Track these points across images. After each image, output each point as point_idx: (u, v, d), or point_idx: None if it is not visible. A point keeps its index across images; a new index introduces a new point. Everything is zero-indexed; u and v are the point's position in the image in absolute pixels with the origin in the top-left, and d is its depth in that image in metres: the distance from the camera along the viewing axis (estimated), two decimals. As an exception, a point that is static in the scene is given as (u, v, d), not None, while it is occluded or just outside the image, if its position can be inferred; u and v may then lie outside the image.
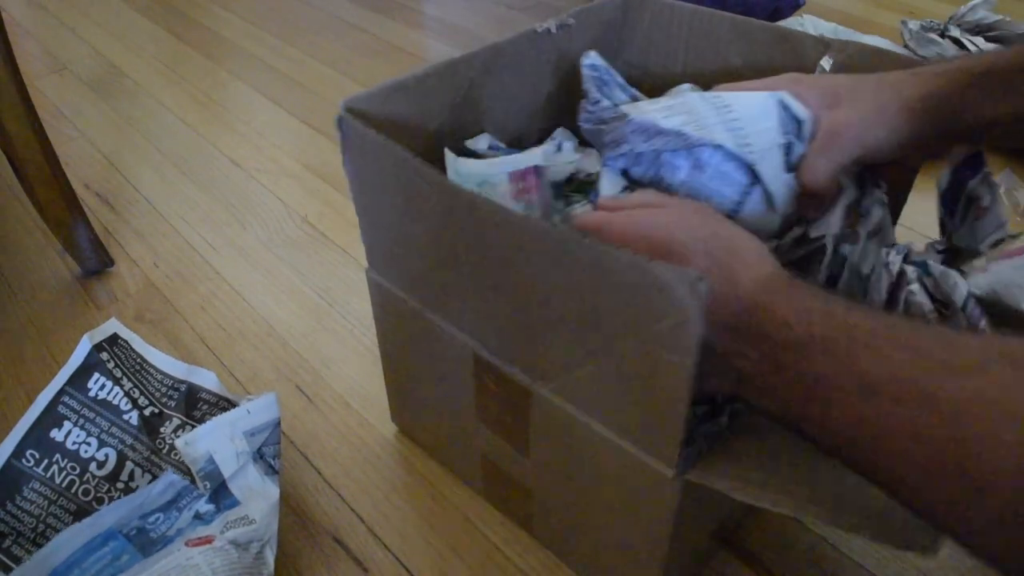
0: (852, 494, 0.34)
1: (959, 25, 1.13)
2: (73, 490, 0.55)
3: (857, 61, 0.53)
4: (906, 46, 1.13)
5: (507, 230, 0.39)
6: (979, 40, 1.09)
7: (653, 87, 0.65)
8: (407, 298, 0.52)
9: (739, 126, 0.44)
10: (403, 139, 0.51)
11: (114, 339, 0.61)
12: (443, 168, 0.53)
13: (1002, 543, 0.26)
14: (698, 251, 0.35)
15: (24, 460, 0.54)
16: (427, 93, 0.51)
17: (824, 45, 0.54)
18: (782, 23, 1.20)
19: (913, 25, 1.13)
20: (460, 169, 0.51)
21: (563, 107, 0.66)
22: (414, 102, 0.51)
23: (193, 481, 0.52)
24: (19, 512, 0.53)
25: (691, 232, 0.37)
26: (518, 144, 0.61)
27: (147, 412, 0.59)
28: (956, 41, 1.09)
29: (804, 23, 1.19)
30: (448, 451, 0.61)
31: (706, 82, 0.62)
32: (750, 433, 0.42)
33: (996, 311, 0.42)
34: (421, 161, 0.41)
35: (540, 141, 0.65)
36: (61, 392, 0.57)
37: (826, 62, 0.55)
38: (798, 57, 0.55)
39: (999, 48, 0.44)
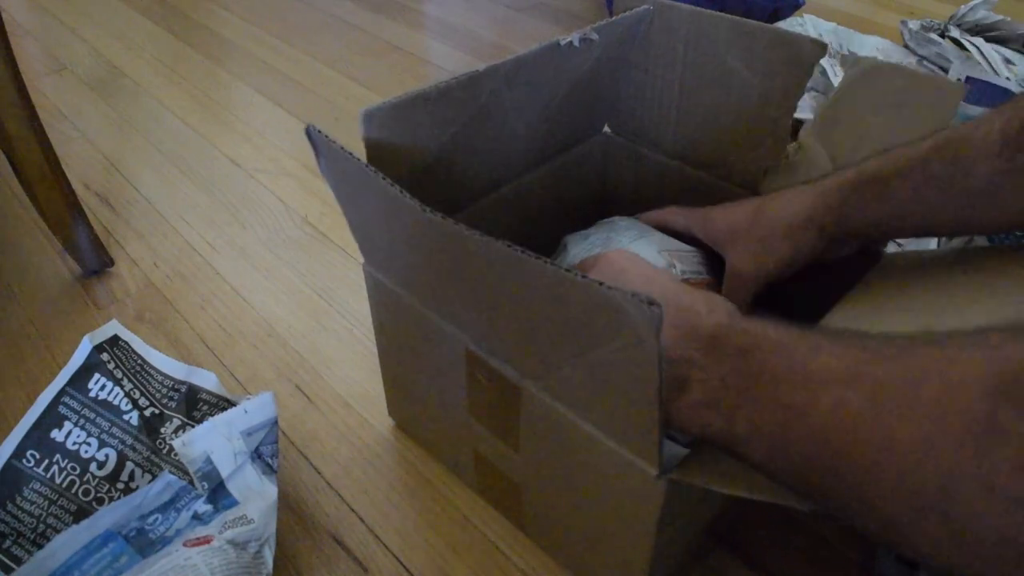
0: None
1: (959, 25, 1.13)
2: (73, 490, 0.55)
3: (866, 74, 0.53)
4: (906, 46, 1.13)
5: (472, 250, 0.39)
6: (979, 40, 1.09)
7: (654, 88, 0.65)
8: (401, 292, 0.52)
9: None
10: (417, 147, 0.51)
11: (115, 340, 0.61)
12: (450, 179, 0.55)
13: (908, 509, 0.27)
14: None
15: (25, 460, 0.54)
16: (447, 104, 0.51)
17: (821, 47, 0.54)
18: (782, 23, 1.20)
19: (913, 25, 1.13)
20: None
21: (580, 117, 0.66)
22: (433, 112, 0.51)
23: (191, 481, 0.52)
24: (19, 512, 0.53)
25: (649, 286, 0.41)
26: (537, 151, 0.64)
27: (147, 413, 0.59)
28: (956, 41, 1.09)
29: (804, 23, 1.19)
30: (443, 446, 0.61)
31: (705, 84, 0.62)
32: None
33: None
34: (383, 177, 0.41)
35: (554, 148, 0.66)
36: (62, 392, 0.57)
37: (827, 62, 0.55)
38: (796, 59, 0.55)
39: (877, 154, 0.48)
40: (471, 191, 0.60)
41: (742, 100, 0.60)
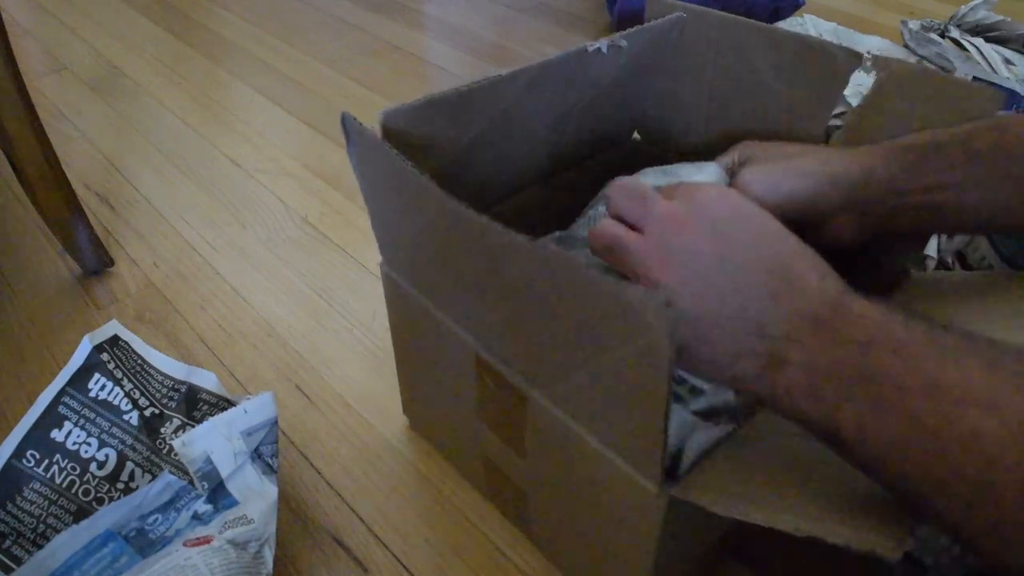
0: (822, 502, 0.35)
1: (959, 25, 1.13)
2: (73, 490, 0.55)
3: (897, 81, 0.52)
4: (906, 46, 1.13)
5: (488, 241, 0.39)
6: (979, 41, 1.09)
7: (683, 95, 0.65)
8: (416, 294, 0.52)
9: None
10: (436, 150, 0.51)
11: (115, 340, 0.61)
12: (469, 182, 0.54)
13: None
14: (755, 271, 0.35)
15: (25, 460, 0.54)
16: (467, 108, 0.51)
17: (856, 58, 0.53)
18: (782, 23, 1.20)
19: (913, 25, 1.13)
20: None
21: (606, 123, 0.66)
22: (452, 116, 0.51)
23: (191, 481, 0.52)
24: (19, 512, 0.53)
25: (746, 255, 0.36)
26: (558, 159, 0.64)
27: (147, 413, 0.59)
28: (956, 42, 1.09)
29: (804, 23, 1.19)
30: (453, 448, 0.61)
31: (735, 93, 0.61)
32: (730, 446, 0.42)
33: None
34: (412, 166, 0.41)
35: (580, 154, 0.66)
36: (62, 392, 0.57)
37: (858, 75, 0.54)
38: (829, 69, 0.54)
39: (924, 129, 0.44)
40: (492, 194, 0.60)
41: (773, 110, 0.59)
